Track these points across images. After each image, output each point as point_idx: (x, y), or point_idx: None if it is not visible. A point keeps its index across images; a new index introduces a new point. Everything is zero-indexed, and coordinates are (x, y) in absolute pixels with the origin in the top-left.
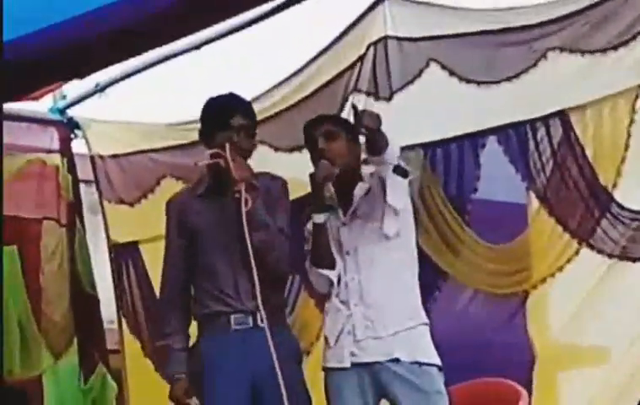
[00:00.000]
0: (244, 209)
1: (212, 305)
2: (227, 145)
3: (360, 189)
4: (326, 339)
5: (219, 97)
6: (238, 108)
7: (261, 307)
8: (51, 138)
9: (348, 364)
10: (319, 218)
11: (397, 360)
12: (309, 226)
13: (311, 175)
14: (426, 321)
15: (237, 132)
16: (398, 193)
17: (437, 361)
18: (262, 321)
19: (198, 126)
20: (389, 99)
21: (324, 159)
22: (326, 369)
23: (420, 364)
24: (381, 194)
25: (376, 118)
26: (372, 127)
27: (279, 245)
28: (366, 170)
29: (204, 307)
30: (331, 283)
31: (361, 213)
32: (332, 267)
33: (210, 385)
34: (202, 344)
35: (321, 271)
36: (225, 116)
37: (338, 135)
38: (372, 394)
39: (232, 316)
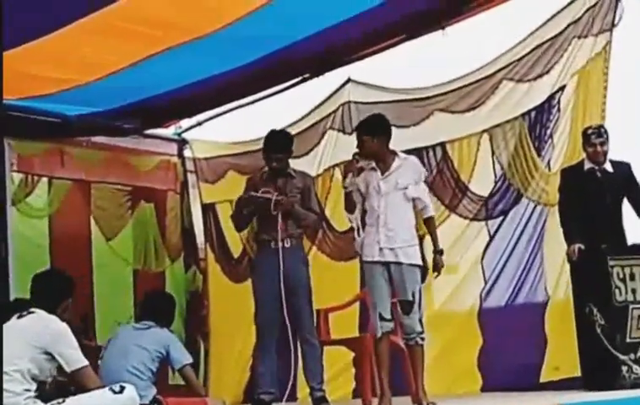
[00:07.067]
0: (288, 188)
1: (264, 235)
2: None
3: (395, 163)
4: (364, 247)
5: (276, 130)
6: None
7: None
8: (173, 148)
9: (376, 259)
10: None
11: (400, 263)
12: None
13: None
14: (417, 242)
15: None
16: (424, 192)
17: (420, 263)
18: (288, 244)
19: (247, 144)
20: (351, 133)
21: (362, 151)
22: (366, 262)
23: (412, 264)
24: (411, 177)
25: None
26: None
27: (305, 214)
28: (401, 154)
29: (259, 236)
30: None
31: (393, 177)
32: (352, 211)
33: (260, 277)
34: (257, 255)
35: (349, 215)
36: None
37: (370, 138)
38: (387, 278)
39: (272, 242)
